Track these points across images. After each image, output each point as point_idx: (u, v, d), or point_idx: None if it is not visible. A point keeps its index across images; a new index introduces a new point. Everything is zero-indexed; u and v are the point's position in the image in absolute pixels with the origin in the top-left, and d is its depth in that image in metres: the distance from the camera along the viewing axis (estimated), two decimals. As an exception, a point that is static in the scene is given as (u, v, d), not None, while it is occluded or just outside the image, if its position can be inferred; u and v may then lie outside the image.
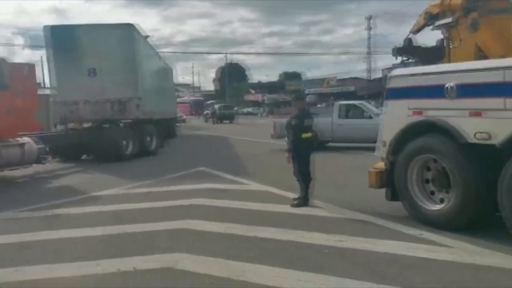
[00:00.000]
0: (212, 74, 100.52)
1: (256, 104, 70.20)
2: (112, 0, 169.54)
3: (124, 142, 14.25)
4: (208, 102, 69.10)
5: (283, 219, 6.23)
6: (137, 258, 4.78)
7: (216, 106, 47.80)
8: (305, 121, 7.20)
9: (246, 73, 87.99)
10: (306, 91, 63.19)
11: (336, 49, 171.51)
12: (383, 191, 6.28)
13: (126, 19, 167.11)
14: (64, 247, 5.26)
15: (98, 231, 5.88)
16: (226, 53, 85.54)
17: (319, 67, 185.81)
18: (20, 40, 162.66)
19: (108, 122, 14.81)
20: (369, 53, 67.75)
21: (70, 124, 14.42)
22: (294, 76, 77.13)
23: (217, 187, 8.78)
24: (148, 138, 15.78)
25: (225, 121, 43.33)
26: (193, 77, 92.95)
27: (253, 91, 79.01)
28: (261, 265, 4.47)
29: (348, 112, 15.73)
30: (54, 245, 5.36)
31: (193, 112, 57.82)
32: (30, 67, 11.48)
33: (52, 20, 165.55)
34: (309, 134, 7.23)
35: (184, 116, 40.73)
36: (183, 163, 12.79)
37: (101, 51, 14.06)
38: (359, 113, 15.42)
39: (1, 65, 10.21)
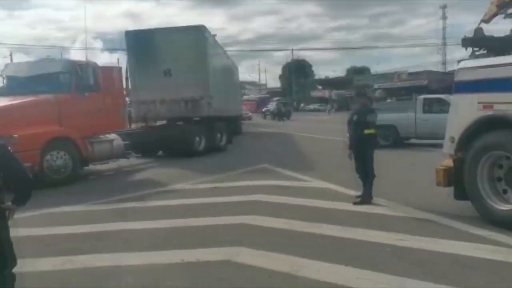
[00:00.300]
0: (278, 71, 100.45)
1: (322, 100, 69.28)
2: (181, 2, 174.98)
3: (197, 138, 14.90)
4: (274, 99, 69.45)
5: (343, 217, 6.21)
6: (200, 250, 5.01)
7: (274, 103, 47.97)
8: (367, 117, 7.07)
9: (312, 69, 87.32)
10: (375, 86, 61.36)
11: (408, 41, 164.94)
12: (450, 189, 6.05)
13: (194, 19, 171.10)
14: (133, 238, 5.63)
15: (164, 223, 6.23)
16: (292, 49, 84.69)
17: (389, 61, 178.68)
18: (99, 44, 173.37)
19: (181, 119, 15.46)
20: (444, 44, 64.41)
21: (146, 122, 15.40)
22: (362, 71, 75.10)
23: (279, 183, 8.87)
24: (218, 135, 16.38)
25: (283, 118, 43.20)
26: (259, 75, 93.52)
27: (319, 87, 78.16)
28: (319, 261, 4.51)
29: (433, 106, 14.90)
30: (125, 235, 5.74)
31: (259, 110, 58.35)
32: (118, 70, 12.57)
33: (127, 24, 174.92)
34: (372, 130, 7.11)
35: (250, 114, 41.18)
36: (248, 159, 13.03)
37: (175, 52, 14.80)
38: (446, 107, 14.59)
39: (94, 69, 11.12)
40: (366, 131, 6.99)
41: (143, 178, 11.16)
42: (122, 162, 12.75)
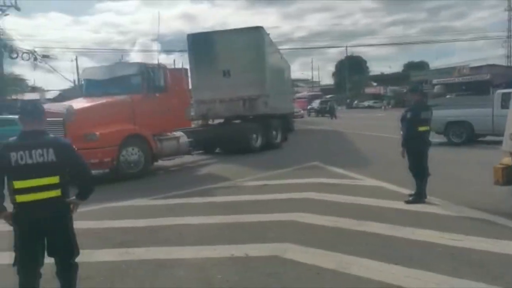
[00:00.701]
0: (331, 68, 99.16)
1: (377, 97, 67.57)
2: (235, 2, 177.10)
3: (254, 136, 15.36)
4: (327, 96, 68.65)
5: (394, 215, 6.10)
6: (249, 245, 5.12)
7: (318, 101, 47.65)
8: (421, 114, 6.88)
9: (367, 65, 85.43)
10: (434, 82, 59.04)
11: (469, 35, 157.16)
12: (508, 188, 5.78)
13: (247, 19, 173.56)
14: (186, 232, 5.84)
15: (216, 219, 6.39)
16: (346, 46, 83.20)
17: (448, 55, 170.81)
18: (156, 46, 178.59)
19: (238, 118, 15.84)
20: (509, 36, 60.73)
21: (206, 120, 16.05)
22: (419, 66, 72.57)
23: (329, 181, 8.82)
24: (274, 132, 16.72)
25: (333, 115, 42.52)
26: (311, 72, 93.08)
27: (374, 84, 76.27)
28: (368, 260, 4.48)
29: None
30: (177, 229, 5.97)
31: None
32: (183, 71, 13.20)
33: (183, 25, 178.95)
34: (426, 127, 6.92)
35: (302, 111, 41.01)
36: (298, 157, 13.02)
37: (234, 53, 15.32)
38: None
39: (163, 71, 11.87)
40: (421, 128, 6.81)
41: (202, 174, 11.69)
42: (186, 158, 13.37)
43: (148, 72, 11.50)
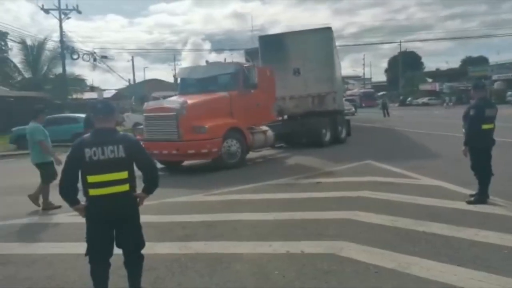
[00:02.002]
0: (384, 64, 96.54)
1: (432, 93, 65.16)
2: (285, 0, 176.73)
3: (324, 131, 16.11)
4: (379, 93, 67.02)
5: (455, 216, 5.90)
6: (305, 242, 5.14)
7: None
8: (486, 111, 6.58)
9: (422, 61, 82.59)
10: (494, 77, 56.18)
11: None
12: None
13: (298, 16, 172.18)
14: (241, 228, 5.93)
15: (271, 215, 6.45)
16: (400, 42, 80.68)
17: (511, 50, 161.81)
18: (207, 45, 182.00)
19: (308, 114, 16.29)
20: None
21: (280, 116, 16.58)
22: (479, 61, 69.32)
23: (384, 180, 8.64)
24: (340, 128, 17.36)
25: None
26: (363, 69, 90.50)
27: (429, 80, 73.61)
28: (428, 260, 4.38)
29: None
30: (233, 225, 6.08)
31: (363, 105, 56.91)
32: (271, 70, 14.04)
33: (234, 24, 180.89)
34: (490, 125, 6.62)
35: (353, 109, 40.32)
36: (352, 155, 12.86)
37: (304, 53, 16.01)
38: None
39: (252, 69, 12.77)
40: (485, 126, 6.53)
41: (284, 166, 12.33)
42: (264, 151, 13.97)
43: (243, 70, 12.50)
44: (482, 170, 6.58)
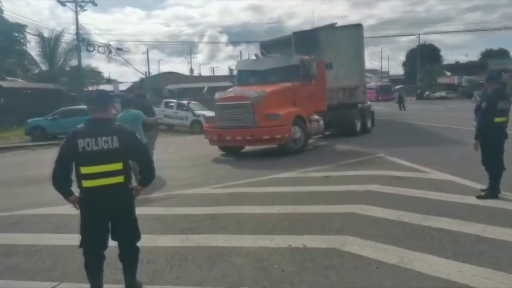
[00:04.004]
0: (402, 57, 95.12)
1: (450, 87, 64.04)
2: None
3: (355, 121, 17.16)
4: (396, 87, 66.13)
5: (464, 211, 5.75)
6: (307, 236, 5.06)
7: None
8: (498, 104, 6.36)
9: (440, 53, 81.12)
10: (492, 71, 54.69)
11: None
12: None
13: (316, 8, 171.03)
14: (245, 221, 5.87)
15: (275, 209, 6.38)
16: (418, 34, 79.20)
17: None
18: (224, 38, 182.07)
19: (342, 105, 16.94)
20: None
21: None
22: (499, 54, 67.76)
23: (394, 174, 8.48)
24: (367, 119, 18.53)
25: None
26: (381, 62, 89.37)
27: (448, 73, 72.27)
28: (432, 256, 4.27)
29: None
30: (237, 218, 6.02)
31: (380, 98, 56.18)
32: (323, 62, 14.96)
33: (250, 17, 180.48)
34: (504, 118, 6.41)
35: (369, 102, 39.77)
36: (362, 148, 12.72)
37: (336, 48, 16.82)
38: None
39: (313, 62, 13.81)
40: (497, 120, 6.32)
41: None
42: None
43: (304, 63, 13.56)
44: (494, 164, 6.39)
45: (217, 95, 13.14)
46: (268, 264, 4.34)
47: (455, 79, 65.97)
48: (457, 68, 73.42)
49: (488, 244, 4.48)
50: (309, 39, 16.92)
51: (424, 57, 71.66)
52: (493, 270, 3.84)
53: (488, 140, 6.42)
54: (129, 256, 3.64)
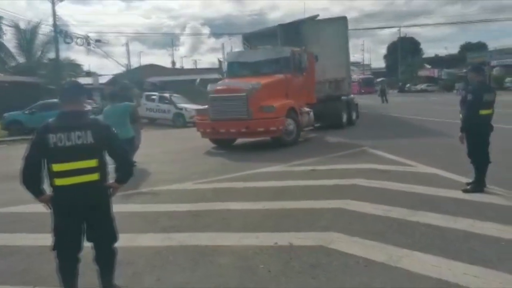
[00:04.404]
0: (383, 50, 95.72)
1: (431, 80, 64.71)
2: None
3: (342, 113, 17.27)
4: (378, 79, 66.55)
5: (451, 205, 5.67)
6: (293, 233, 4.91)
7: None
8: (484, 96, 6.30)
9: (421, 47, 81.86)
10: (493, 63, 55.62)
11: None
12: None
13: (297, 1, 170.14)
14: (229, 218, 5.69)
15: (261, 205, 6.21)
16: (399, 27, 79.96)
17: (510, 36, 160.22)
18: (206, 30, 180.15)
19: (328, 98, 16.84)
20: None
21: None
22: (478, 47, 68.65)
23: (380, 167, 8.40)
24: (353, 111, 18.70)
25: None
26: (363, 55, 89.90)
27: (428, 66, 73.02)
28: (421, 253, 4.16)
29: None
30: (221, 215, 5.84)
31: (362, 91, 56.41)
32: (312, 54, 14.91)
33: (232, 8, 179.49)
34: (489, 111, 6.36)
35: (352, 95, 39.88)
36: (346, 141, 12.65)
37: (322, 40, 16.80)
38: None
39: (303, 54, 13.97)
40: (482, 112, 6.26)
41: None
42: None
43: (295, 55, 13.63)
44: (479, 157, 6.34)
45: (210, 87, 12.99)
46: (254, 264, 4.18)
47: (435, 72, 66.73)
48: (437, 61, 74.21)
49: (477, 240, 4.40)
50: (294, 31, 16.84)
51: (405, 50, 72.26)
52: (484, 268, 3.74)
53: (474, 132, 6.36)
54: (106, 259, 3.43)
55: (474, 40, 75.86)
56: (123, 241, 3.62)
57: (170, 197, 7.05)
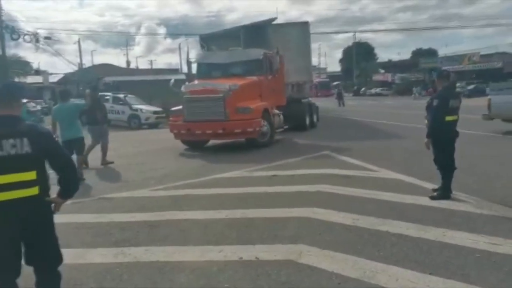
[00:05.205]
0: (339, 54, 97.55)
1: (384, 84, 66.48)
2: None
3: (306, 115, 17.49)
4: (334, 83, 67.64)
5: (420, 213, 5.51)
6: (260, 246, 4.57)
7: None
8: (450, 102, 6.21)
9: (375, 51, 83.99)
10: (444, 68, 57.87)
11: (480, 21, 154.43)
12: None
13: (255, 4, 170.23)
14: (189, 229, 5.28)
15: (222, 214, 5.83)
16: (354, 32, 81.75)
17: (458, 43, 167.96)
18: (162, 30, 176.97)
19: (291, 101, 16.70)
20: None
21: None
22: (428, 53, 71.19)
23: (343, 173, 8.22)
24: (314, 114, 19.10)
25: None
26: (319, 59, 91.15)
27: (382, 71, 75.02)
28: (396, 267, 3.92)
29: None
30: (180, 226, 5.41)
31: (319, 94, 57.08)
32: (282, 57, 14.76)
33: (188, 9, 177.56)
34: (454, 117, 6.27)
35: (309, 99, 40.18)
36: (308, 145, 12.48)
37: (284, 43, 16.49)
38: None
39: (276, 56, 14.00)
40: (448, 118, 6.17)
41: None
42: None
43: (268, 57, 13.77)
44: (445, 163, 6.25)
45: (185, 88, 12.73)
46: (218, 282, 3.81)
47: (389, 77, 68.58)
48: (390, 66, 76.22)
49: (452, 251, 4.22)
50: (258, 34, 16.83)
51: (359, 55, 73.87)
52: (461, 282, 3.55)
53: (440, 138, 6.27)
54: (48, 284, 2.96)
55: (425, 46, 78.51)
56: (70, 257, 3.18)
57: (123, 206, 6.52)
